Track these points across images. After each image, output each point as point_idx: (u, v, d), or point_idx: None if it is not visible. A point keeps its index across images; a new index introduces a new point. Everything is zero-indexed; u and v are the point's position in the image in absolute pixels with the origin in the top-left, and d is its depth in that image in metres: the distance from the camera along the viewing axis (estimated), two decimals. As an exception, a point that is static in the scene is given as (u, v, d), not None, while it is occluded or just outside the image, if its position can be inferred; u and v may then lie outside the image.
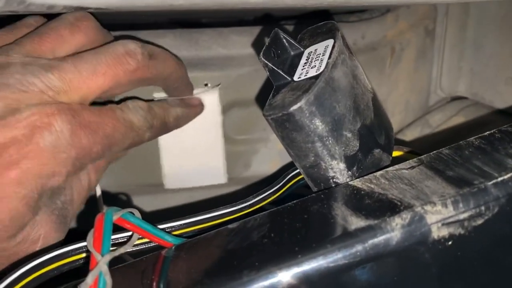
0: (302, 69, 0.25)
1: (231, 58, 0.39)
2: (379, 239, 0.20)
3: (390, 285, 0.21)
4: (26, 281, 0.23)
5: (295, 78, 0.24)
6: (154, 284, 0.21)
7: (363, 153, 0.25)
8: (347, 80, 0.24)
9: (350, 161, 0.24)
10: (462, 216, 0.20)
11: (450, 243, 0.21)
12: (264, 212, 0.24)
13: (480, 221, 0.21)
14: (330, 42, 0.25)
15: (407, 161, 0.24)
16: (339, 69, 0.24)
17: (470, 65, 0.47)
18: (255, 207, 0.27)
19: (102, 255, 0.21)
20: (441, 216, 0.20)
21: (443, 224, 0.20)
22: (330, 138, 0.23)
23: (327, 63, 0.23)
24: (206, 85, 0.38)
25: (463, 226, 0.20)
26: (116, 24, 0.39)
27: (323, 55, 0.24)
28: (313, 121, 0.23)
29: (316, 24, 0.28)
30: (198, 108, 0.37)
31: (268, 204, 0.28)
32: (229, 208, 0.27)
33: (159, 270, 0.22)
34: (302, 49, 0.26)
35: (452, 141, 0.26)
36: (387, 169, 0.24)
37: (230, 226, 0.24)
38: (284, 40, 0.26)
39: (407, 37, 0.45)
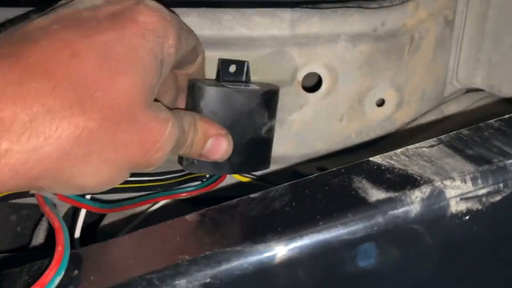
0: (230, 83, 0.35)
1: (253, 39, 0.39)
2: (399, 211, 0.21)
3: (408, 257, 0.22)
4: None
5: (222, 82, 0.35)
6: (179, 246, 0.22)
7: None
8: (241, 109, 0.33)
9: None
10: (480, 192, 0.21)
11: (467, 217, 0.21)
12: (285, 184, 0.25)
13: (497, 198, 0.21)
14: (257, 87, 0.35)
15: (427, 140, 0.25)
16: (239, 97, 0.34)
17: (488, 57, 0.47)
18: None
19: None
20: (460, 191, 0.21)
21: (461, 199, 0.21)
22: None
23: (235, 87, 0.34)
24: (227, 64, 0.39)
25: (480, 202, 0.21)
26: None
27: (243, 87, 0.35)
28: (199, 100, 0.33)
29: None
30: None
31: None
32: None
33: (184, 233, 0.23)
34: (247, 81, 0.36)
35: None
36: (407, 147, 0.25)
37: (252, 195, 0.24)
38: (245, 70, 0.36)
39: (427, 26, 0.45)
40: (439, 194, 0.21)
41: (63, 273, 0.20)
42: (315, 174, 0.25)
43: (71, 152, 0.21)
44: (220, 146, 0.31)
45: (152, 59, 0.24)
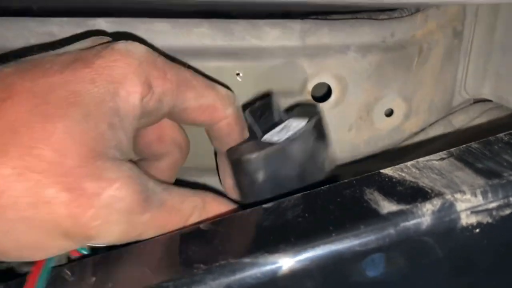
0: (272, 134, 0.30)
1: (264, 50, 0.40)
2: (410, 223, 0.21)
3: (417, 269, 0.22)
4: None
5: (264, 138, 0.30)
6: (194, 255, 0.22)
7: None
8: (302, 156, 0.29)
9: None
10: (490, 206, 0.21)
11: (477, 230, 0.22)
12: (297, 195, 0.25)
13: (508, 211, 0.22)
14: (303, 122, 0.30)
15: (437, 153, 0.25)
16: (296, 145, 0.28)
17: (496, 68, 0.47)
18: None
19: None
20: (470, 204, 0.21)
21: (472, 212, 0.21)
22: (266, 190, 0.28)
23: (288, 137, 0.29)
24: (238, 74, 0.39)
25: (491, 215, 0.21)
26: (156, 12, 0.41)
27: (291, 130, 0.29)
28: (256, 173, 0.28)
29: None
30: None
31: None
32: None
33: (198, 242, 0.23)
34: (283, 120, 0.31)
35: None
36: (418, 159, 0.25)
37: (264, 205, 0.25)
38: (274, 107, 0.32)
39: (436, 37, 0.45)
40: (450, 207, 0.21)
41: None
42: (327, 185, 0.25)
43: None
44: None
45: (98, 106, 0.21)
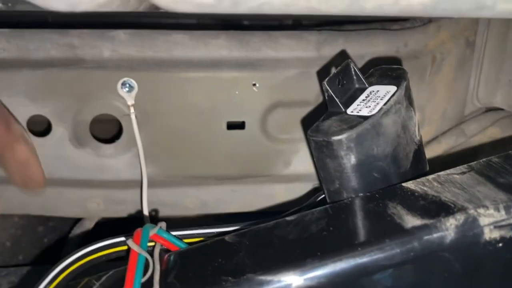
0: (357, 105, 0.27)
1: (279, 60, 0.40)
2: (434, 237, 0.22)
3: (439, 282, 0.23)
4: (77, 265, 0.26)
5: (348, 111, 0.26)
6: (222, 266, 0.23)
7: None
8: (395, 129, 0.26)
9: None
10: (513, 221, 0.22)
11: (500, 245, 0.22)
12: (319, 208, 0.26)
13: (530, 226, 0.22)
14: (392, 88, 0.26)
15: (458, 167, 0.26)
16: (389, 117, 0.25)
17: (508, 77, 0.48)
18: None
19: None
20: (494, 219, 0.22)
21: (495, 227, 0.22)
22: (358, 173, 0.25)
23: (381, 108, 0.25)
24: (254, 85, 0.40)
25: (514, 230, 0.22)
26: (178, 25, 0.41)
27: (381, 99, 0.26)
28: (348, 155, 0.24)
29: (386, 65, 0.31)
30: None
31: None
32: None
33: (225, 254, 0.24)
34: (366, 86, 0.28)
35: (487, 151, 0.27)
36: (439, 173, 0.25)
37: (288, 218, 0.25)
38: (353, 73, 0.28)
39: (448, 47, 0.46)
40: (473, 221, 0.22)
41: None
42: (349, 198, 0.26)
43: None
44: None
45: None
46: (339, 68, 0.28)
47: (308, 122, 0.41)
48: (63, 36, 0.37)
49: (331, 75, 0.28)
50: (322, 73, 0.35)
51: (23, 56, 0.37)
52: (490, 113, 0.50)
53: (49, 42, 0.37)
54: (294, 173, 0.43)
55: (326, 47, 0.41)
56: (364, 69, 0.32)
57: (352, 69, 0.28)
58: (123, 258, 0.27)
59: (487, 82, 0.49)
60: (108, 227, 0.48)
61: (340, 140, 0.24)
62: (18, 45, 0.37)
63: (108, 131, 0.42)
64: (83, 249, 0.26)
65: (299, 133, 0.42)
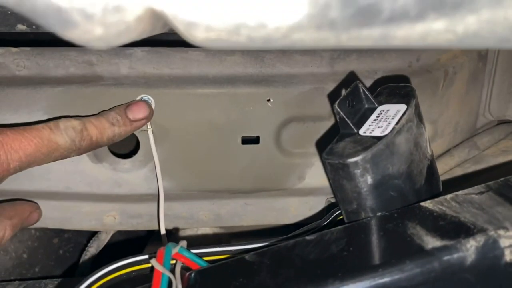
0: (369, 125, 0.27)
1: (293, 76, 0.41)
2: (455, 258, 0.22)
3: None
4: (101, 283, 0.26)
5: (361, 132, 0.27)
6: (244, 286, 0.23)
7: None
8: (408, 147, 0.26)
9: None
10: (533, 242, 0.22)
11: (521, 266, 0.22)
12: (339, 227, 0.26)
13: (550, 248, 0.22)
14: (403, 107, 0.27)
15: (475, 187, 0.26)
16: (402, 136, 0.26)
17: (520, 90, 0.48)
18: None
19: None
20: (514, 241, 0.22)
21: (515, 249, 0.22)
22: (375, 193, 0.26)
23: (393, 128, 0.25)
24: (268, 100, 0.40)
25: (534, 252, 0.22)
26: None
27: (392, 118, 0.26)
28: (364, 176, 0.25)
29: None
30: (138, 123, 0.36)
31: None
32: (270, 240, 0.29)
33: (246, 274, 0.24)
34: (376, 105, 0.28)
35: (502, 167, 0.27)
36: (457, 192, 0.26)
37: (307, 237, 0.26)
38: (362, 93, 0.29)
39: (460, 61, 0.46)
40: (493, 243, 0.22)
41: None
42: (368, 218, 0.26)
43: None
44: None
45: None
46: (348, 90, 0.29)
47: (322, 138, 0.42)
48: (82, 53, 0.38)
49: (341, 97, 0.28)
50: (332, 94, 0.36)
51: (43, 74, 0.38)
52: (502, 126, 0.50)
53: (68, 59, 0.38)
54: (307, 186, 0.44)
55: (340, 62, 0.41)
56: (375, 86, 0.32)
57: (361, 90, 0.29)
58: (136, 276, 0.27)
59: (499, 95, 0.49)
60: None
61: (356, 162, 0.24)
62: (38, 63, 0.38)
63: (125, 146, 0.43)
64: (106, 267, 0.27)
65: (312, 148, 0.42)
